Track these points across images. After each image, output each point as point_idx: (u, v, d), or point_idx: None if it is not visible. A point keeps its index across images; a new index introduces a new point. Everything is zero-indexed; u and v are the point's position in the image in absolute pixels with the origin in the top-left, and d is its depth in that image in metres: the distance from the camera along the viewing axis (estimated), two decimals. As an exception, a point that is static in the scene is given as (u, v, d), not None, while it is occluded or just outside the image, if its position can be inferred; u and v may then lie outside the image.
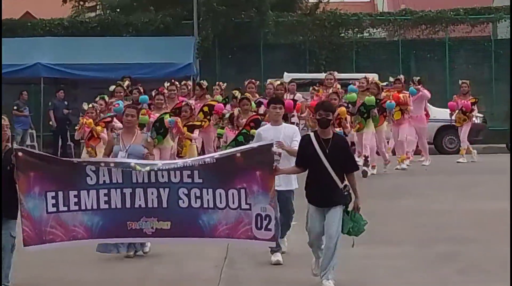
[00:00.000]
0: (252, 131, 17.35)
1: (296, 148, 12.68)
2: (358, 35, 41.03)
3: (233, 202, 11.89)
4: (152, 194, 11.90)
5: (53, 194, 11.72)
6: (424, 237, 10.59)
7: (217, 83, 27.23)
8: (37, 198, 11.66)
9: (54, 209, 11.73)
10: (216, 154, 12.57)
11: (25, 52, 35.68)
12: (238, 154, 12.03)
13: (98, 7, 45.39)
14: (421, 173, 19.54)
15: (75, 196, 11.78)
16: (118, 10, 42.96)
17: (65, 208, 11.76)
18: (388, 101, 23.89)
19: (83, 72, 34.28)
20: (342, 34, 40.60)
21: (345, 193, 11.82)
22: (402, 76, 26.84)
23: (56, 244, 11.88)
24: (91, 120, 20.42)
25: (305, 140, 12.25)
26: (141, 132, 15.63)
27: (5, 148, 11.87)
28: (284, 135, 13.34)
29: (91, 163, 12.21)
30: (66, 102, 34.23)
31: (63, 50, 36.19)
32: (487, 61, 39.45)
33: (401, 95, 25.15)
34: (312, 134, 12.21)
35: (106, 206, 11.86)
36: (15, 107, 29.91)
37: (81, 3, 45.51)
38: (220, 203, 11.90)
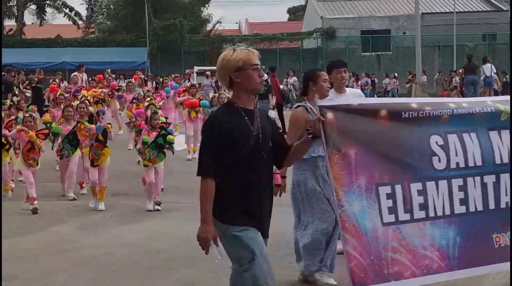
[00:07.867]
0: (169, 137, 8.91)
1: None
2: (233, 47, 38.77)
3: None
4: None
5: (388, 189, 3.48)
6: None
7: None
8: (364, 197, 3.43)
9: (392, 218, 3.48)
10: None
11: (55, 55, 33.75)
12: None
13: (96, 32, 42.66)
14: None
15: (419, 192, 3.56)
16: (106, 33, 40.26)
17: (407, 216, 3.53)
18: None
19: (90, 66, 31.41)
20: (225, 46, 38.53)
21: None
22: None
23: (404, 281, 3.46)
24: (31, 133, 9.10)
25: None
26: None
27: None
28: None
29: (433, 111, 3.65)
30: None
31: (77, 54, 33.91)
32: (297, 60, 37.70)
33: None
34: None
35: (463, 208, 3.69)
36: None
37: (87, 29, 43.20)
38: None
